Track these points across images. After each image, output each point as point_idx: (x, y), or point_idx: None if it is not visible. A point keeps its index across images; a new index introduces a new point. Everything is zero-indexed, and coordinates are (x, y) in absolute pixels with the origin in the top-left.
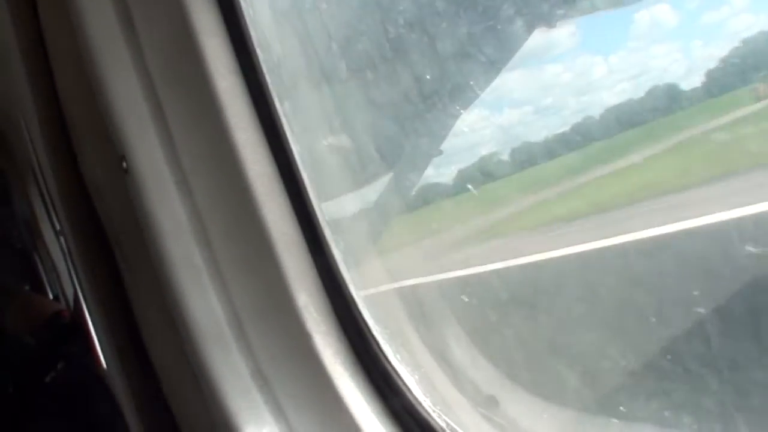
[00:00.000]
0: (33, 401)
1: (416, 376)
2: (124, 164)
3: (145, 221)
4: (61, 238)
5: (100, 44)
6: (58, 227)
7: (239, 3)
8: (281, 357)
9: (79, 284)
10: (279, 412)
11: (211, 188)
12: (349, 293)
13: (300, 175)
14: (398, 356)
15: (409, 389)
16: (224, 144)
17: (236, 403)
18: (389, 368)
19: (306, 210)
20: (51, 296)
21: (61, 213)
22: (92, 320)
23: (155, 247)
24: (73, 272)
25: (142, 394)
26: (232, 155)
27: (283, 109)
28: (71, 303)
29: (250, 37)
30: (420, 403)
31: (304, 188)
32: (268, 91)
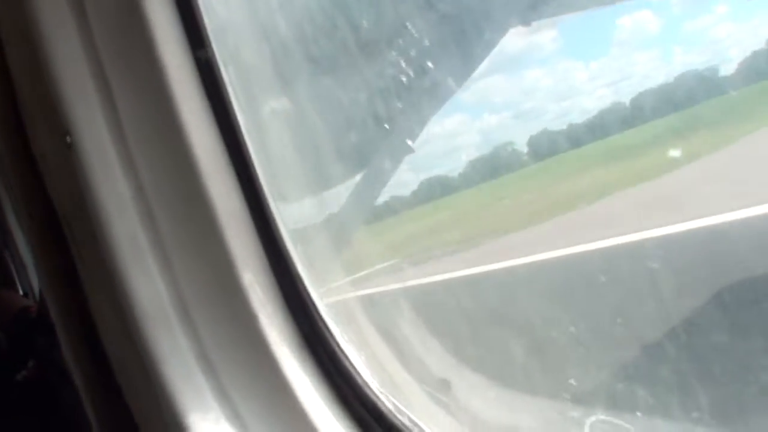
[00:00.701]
0: (4, 400)
1: (364, 357)
2: (68, 139)
3: (89, 199)
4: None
5: (46, 15)
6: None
7: None
8: (227, 340)
9: (38, 272)
10: (224, 397)
11: (157, 165)
12: (296, 272)
13: (247, 152)
14: (345, 336)
15: (356, 370)
16: (170, 120)
17: (182, 388)
18: (336, 349)
19: (253, 188)
20: (21, 292)
21: (18, 197)
22: (51, 310)
23: (100, 226)
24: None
25: (97, 384)
26: (177, 130)
27: (228, 78)
28: (37, 296)
29: (198, 10)
30: (368, 385)
31: (252, 165)
32: (216, 63)
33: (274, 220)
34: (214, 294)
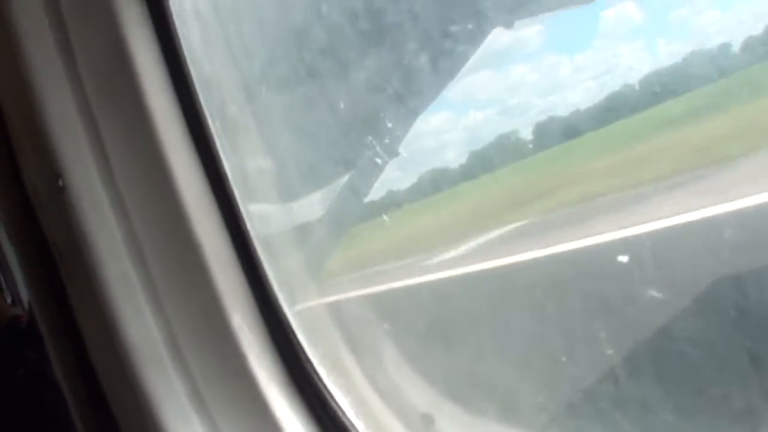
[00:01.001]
0: None
1: (349, 398)
2: (60, 182)
3: (82, 239)
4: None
5: (36, 61)
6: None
7: (173, 20)
8: (217, 378)
9: (30, 298)
10: None
11: (146, 207)
12: (283, 313)
13: (232, 194)
14: (331, 378)
15: (342, 411)
16: (158, 163)
17: (173, 424)
18: (323, 390)
19: (239, 229)
20: (9, 300)
21: (7, 223)
22: (43, 329)
23: (93, 265)
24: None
25: (90, 413)
26: (165, 174)
27: (215, 127)
28: (27, 307)
29: (183, 55)
30: (353, 426)
31: (237, 207)
32: (201, 109)
33: (261, 262)
34: (204, 334)
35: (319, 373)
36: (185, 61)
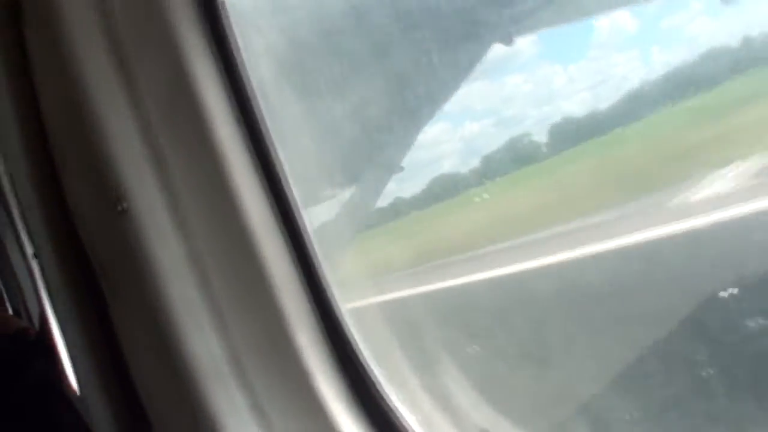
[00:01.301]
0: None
1: (418, 417)
2: (123, 206)
3: (142, 260)
4: (31, 261)
5: (95, 90)
6: (30, 251)
7: (237, 49)
8: (280, 395)
9: (53, 308)
10: None
11: (210, 230)
12: (349, 332)
13: (298, 217)
14: (396, 395)
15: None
16: (223, 187)
17: None
18: (387, 407)
19: (304, 251)
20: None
21: (43, 240)
22: (68, 346)
23: (152, 285)
24: (43, 293)
25: (131, 425)
26: (230, 198)
27: (282, 154)
28: (36, 322)
29: (248, 83)
30: None
31: (303, 230)
32: (268, 136)
33: (325, 282)
34: (268, 352)
35: (384, 391)
36: (250, 87)
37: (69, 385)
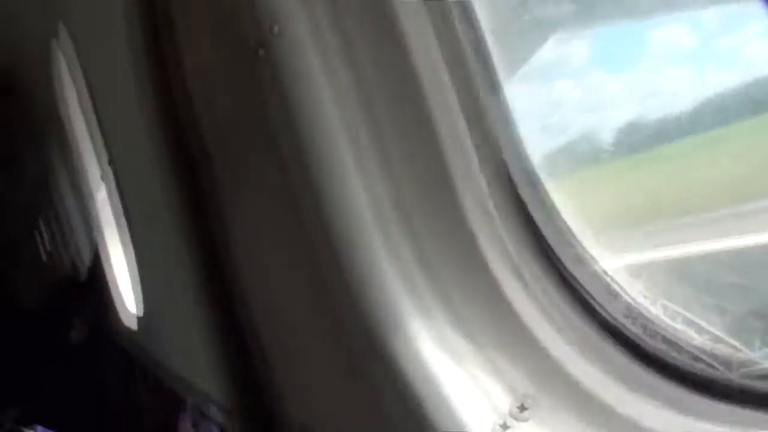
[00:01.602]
0: (52, 360)
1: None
2: (276, 28)
3: (296, 86)
4: (85, 198)
5: None
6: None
7: None
8: (446, 249)
9: (130, 228)
10: (446, 301)
11: (377, 60)
12: (523, 196)
13: (470, 65)
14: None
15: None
16: (391, 28)
17: (400, 289)
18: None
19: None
20: (67, 256)
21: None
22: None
23: (307, 113)
24: (97, 226)
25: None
26: (399, 41)
27: None
28: (87, 262)
29: None
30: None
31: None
32: None
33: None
34: (434, 205)
35: (560, 253)
36: None
37: (119, 322)
